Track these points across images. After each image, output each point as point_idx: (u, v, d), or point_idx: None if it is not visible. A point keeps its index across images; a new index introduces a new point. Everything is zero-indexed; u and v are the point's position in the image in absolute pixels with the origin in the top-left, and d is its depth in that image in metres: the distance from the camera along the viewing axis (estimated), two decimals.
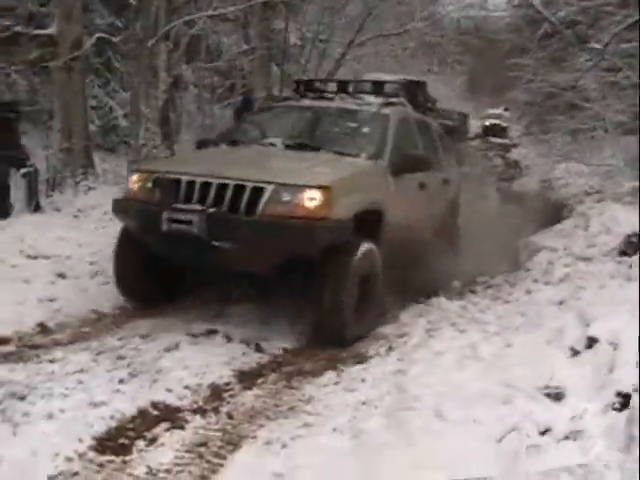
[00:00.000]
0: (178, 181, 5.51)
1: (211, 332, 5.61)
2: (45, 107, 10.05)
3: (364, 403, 4.20)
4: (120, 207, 5.92)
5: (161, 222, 5.39)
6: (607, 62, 10.16)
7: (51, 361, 4.80)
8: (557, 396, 4.17)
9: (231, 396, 4.51)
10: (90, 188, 9.52)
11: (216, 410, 4.28)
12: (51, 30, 9.19)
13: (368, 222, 5.67)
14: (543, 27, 17.76)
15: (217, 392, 4.56)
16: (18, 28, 9.39)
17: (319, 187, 5.26)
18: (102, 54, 12.28)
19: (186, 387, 4.56)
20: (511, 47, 23.36)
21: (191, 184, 5.45)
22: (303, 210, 5.21)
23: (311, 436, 3.83)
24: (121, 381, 4.55)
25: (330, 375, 4.75)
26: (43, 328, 5.61)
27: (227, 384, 4.71)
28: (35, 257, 7.15)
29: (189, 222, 5.31)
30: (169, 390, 4.47)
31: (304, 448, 3.67)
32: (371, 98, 7.34)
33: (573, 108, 13.64)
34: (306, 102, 7.32)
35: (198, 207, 5.33)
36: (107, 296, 6.43)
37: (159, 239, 5.54)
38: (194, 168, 5.67)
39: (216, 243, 5.26)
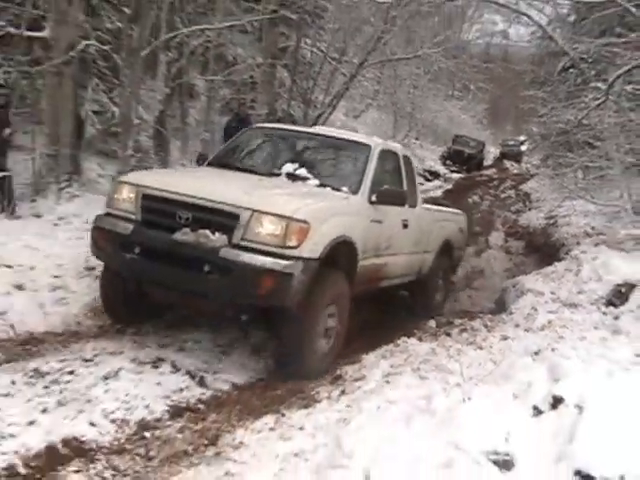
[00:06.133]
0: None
1: (159, 360, 5.29)
2: (33, 111, 9.78)
3: (296, 454, 3.86)
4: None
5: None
6: (615, 102, 9.79)
7: None
8: (505, 464, 3.81)
9: (157, 436, 4.18)
10: (74, 195, 9.24)
11: (136, 450, 3.96)
12: (45, 33, 8.98)
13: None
14: (563, 61, 17.57)
15: (144, 429, 4.24)
16: (11, 29, 9.15)
17: None
18: (109, 59, 12.02)
19: (112, 421, 4.25)
20: (533, 78, 23.13)
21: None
22: None
23: None
24: (44, 410, 4.24)
25: (268, 419, 4.39)
26: None
27: (157, 420, 4.39)
28: None
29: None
30: (92, 424, 4.16)
31: None
32: None
33: (585, 145, 13.12)
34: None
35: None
36: (62, 313, 6.15)
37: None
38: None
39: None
